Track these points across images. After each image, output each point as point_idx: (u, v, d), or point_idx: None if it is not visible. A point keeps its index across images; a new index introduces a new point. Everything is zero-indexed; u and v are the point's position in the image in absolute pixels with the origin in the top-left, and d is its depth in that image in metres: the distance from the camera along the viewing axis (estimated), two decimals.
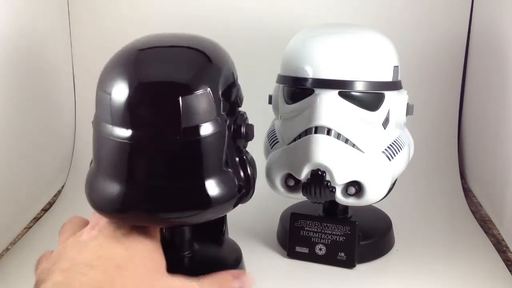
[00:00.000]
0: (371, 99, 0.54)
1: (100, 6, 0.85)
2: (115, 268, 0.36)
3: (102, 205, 0.42)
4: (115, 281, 0.35)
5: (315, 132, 0.51)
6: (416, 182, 0.78)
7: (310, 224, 0.58)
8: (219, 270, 0.41)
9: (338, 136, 0.52)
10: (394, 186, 0.59)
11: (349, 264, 0.57)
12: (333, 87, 0.52)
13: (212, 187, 0.42)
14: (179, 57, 0.43)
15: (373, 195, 0.53)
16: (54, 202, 0.77)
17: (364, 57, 0.53)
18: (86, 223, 0.44)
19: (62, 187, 0.81)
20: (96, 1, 0.85)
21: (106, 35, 0.85)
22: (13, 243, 0.65)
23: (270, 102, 0.62)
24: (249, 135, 0.46)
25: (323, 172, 0.51)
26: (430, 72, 0.84)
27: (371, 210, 0.65)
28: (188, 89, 0.40)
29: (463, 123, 0.86)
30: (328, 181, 0.52)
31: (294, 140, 0.54)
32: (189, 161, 0.41)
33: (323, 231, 0.57)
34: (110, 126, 0.41)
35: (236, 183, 0.44)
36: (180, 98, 0.40)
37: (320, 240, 0.58)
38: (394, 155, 0.55)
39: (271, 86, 0.62)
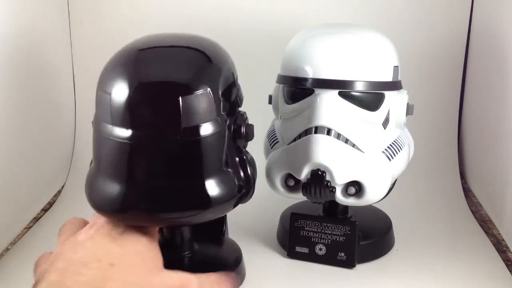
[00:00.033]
0: (371, 99, 0.54)
1: (100, 6, 0.85)
2: (109, 266, 0.36)
3: (102, 205, 0.42)
4: (109, 279, 0.36)
5: (315, 132, 0.51)
6: (416, 182, 0.78)
7: (310, 224, 0.58)
8: (219, 270, 0.42)
9: (338, 136, 0.52)
10: (394, 186, 0.59)
11: (349, 264, 0.57)
12: (333, 87, 0.52)
13: (212, 187, 0.42)
14: (179, 57, 0.43)
15: (373, 195, 0.53)
16: (54, 202, 0.77)
17: (364, 57, 0.53)
18: (85, 224, 0.44)
19: (62, 187, 0.81)
20: (96, 1, 0.85)
21: (106, 35, 0.85)
22: (13, 243, 0.64)
23: (270, 102, 0.62)
24: (249, 135, 0.46)
25: (323, 172, 0.51)
26: (430, 72, 0.84)
27: (371, 210, 0.65)
28: (188, 89, 0.40)
29: (463, 123, 0.86)
30: (328, 181, 0.52)
31: (294, 140, 0.54)
32: (189, 161, 0.41)
33: (323, 231, 0.57)
34: (110, 126, 0.41)
35: (236, 183, 0.44)
36: (180, 98, 0.40)
37: (320, 240, 0.58)
38: (394, 155, 0.55)
39: (271, 86, 0.62)
